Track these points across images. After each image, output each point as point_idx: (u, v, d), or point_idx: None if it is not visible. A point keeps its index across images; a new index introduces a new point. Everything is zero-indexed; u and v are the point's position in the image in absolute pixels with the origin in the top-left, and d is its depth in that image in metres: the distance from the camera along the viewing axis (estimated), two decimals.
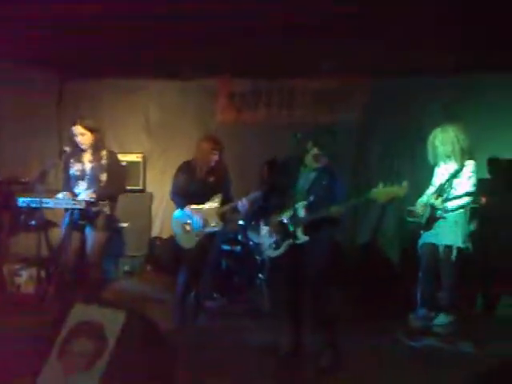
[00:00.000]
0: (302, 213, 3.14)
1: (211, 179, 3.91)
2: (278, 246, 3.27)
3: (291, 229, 3.17)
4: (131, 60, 5.46)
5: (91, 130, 3.81)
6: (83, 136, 3.80)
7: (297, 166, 3.26)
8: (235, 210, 3.96)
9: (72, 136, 3.83)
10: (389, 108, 5.69)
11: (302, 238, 3.14)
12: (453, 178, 3.71)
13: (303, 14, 4.71)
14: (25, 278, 4.39)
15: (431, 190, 3.98)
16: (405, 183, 2.93)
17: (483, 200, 4.16)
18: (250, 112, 6.05)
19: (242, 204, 3.84)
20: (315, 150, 3.14)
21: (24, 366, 2.57)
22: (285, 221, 3.22)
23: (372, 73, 5.58)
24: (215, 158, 3.91)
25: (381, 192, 2.96)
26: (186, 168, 3.94)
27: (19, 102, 5.59)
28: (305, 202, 3.14)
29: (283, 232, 3.23)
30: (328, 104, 5.88)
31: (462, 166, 3.72)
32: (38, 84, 5.73)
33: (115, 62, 5.55)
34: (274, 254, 3.29)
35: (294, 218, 3.16)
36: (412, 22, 4.60)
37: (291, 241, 3.19)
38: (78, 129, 3.80)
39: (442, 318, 3.71)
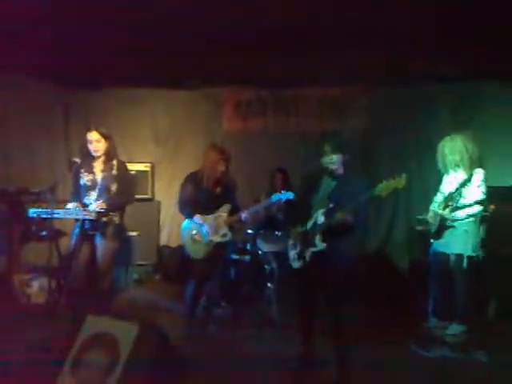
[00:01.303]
0: (321, 220, 3.14)
1: (218, 189, 3.92)
2: (300, 256, 3.24)
3: (312, 237, 3.16)
4: (137, 70, 5.51)
5: (105, 137, 3.82)
6: (98, 143, 3.80)
7: (317, 175, 3.28)
8: (240, 220, 3.96)
9: (84, 144, 3.82)
10: (394, 115, 5.69)
11: (320, 245, 3.13)
12: (462, 187, 3.70)
13: (308, 23, 4.74)
14: (35, 289, 4.40)
15: (439, 197, 3.97)
16: (404, 175, 2.97)
17: (492, 207, 4.14)
18: (257, 120, 6.07)
19: (245, 216, 3.85)
20: (326, 158, 3.17)
21: (37, 379, 2.58)
22: (306, 230, 3.22)
23: (377, 80, 5.59)
24: (222, 167, 3.91)
25: (382, 187, 2.99)
26: (193, 178, 3.95)
27: (26, 114, 5.65)
28: (324, 210, 3.14)
29: (305, 242, 3.22)
30: (334, 112, 5.89)
31: (470, 175, 3.71)
32: (44, 95, 5.78)
33: (121, 72, 5.60)
34: (297, 265, 3.26)
35: (314, 225, 3.17)
36: (417, 28, 4.63)
37: (312, 249, 3.17)
38: (93, 135, 3.80)
39: (454, 328, 3.69)
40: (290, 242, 3.34)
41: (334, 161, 3.17)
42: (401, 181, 2.96)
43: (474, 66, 5.21)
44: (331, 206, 3.11)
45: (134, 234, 5.22)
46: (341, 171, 3.22)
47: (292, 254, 3.30)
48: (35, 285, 4.42)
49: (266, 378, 3.14)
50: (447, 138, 3.93)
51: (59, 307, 3.90)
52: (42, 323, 3.65)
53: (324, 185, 3.22)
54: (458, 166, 3.83)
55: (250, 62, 5.45)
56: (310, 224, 3.20)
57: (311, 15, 4.64)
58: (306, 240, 3.19)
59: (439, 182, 4.09)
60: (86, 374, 2.38)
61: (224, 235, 3.87)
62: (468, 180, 3.69)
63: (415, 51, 5.11)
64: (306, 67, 5.46)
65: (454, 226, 3.71)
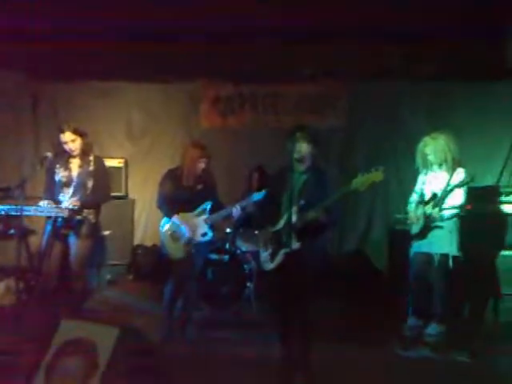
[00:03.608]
0: (294, 218, 3.02)
1: (199, 187, 3.80)
2: (272, 257, 3.14)
3: (286, 237, 3.05)
4: (110, 62, 5.34)
5: (81, 135, 3.69)
6: (74, 142, 3.67)
7: (287, 171, 3.15)
8: (227, 217, 3.84)
9: (59, 143, 3.68)
10: (372, 113, 5.71)
11: (295, 244, 3.02)
12: (447, 187, 3.69)
13: (290, 20, 4.69)
14: (1, 290, 4.17)
15: (414, 197, 3.96)
16: (381, 168, 2.91)
17: (469, 207, 4.16)
18: (235, 117, 5.96)
19: (237, 210, 3.74)
20: (296, 146, 3.06)
21: None
22: (279, 230, 3.12)
23: (357, 78, 5.59)
24: (203, 165, 3.79)
25: (359, 181, 2.92)
26: (172, 175, 3.81)
27: None
28: (296, 207, 3.02)
29: (277, 242, 3.12)
30: (314, 108, 5.85)
31: (454, 175, 3.71)
32: (12, 89, 5.51)
33: (93, 65, 5.41)
34: (269, 266, 3.16)
35: (289, 224, 3.04)
36: (396, 27, 4.65)
37: (286, 250, 3.07)
38: (68, 136, 3.66)
39: (434, 328, 3.68)
40: (261, 242, 3.24)
41: (303, 150, 3.06)
42: (378, 174, 2.90)
43: (450, 66, 5.29)
44: (302, 202, 3.02)
45: (106, 232, 5.03)
46: (310, 164, 3.12)
47: (264, 255, 3.19)
48: (1, 286, 4.19)
49: (245, 379, 3.05)
50: (428, 138, 3.87)
51: (28, 309, 3.70)
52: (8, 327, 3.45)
53: (294, 180, 3.09)
54: (440, 165, 3.81)
55: (228, 58, 5.37)
56: (282, 223, 3.10)
57: (289, 11, 4.60)
58: (279, 240, 3.09)
59: (415, 181, 4.07)
60: (62, 380, 2.23)
61: (204, 234, 3.75)
62: (452, 179, 3.68)
63: (393, 50, 5.14)
64: (284, 63, 5.43)
65: (438, 226, 3.68)
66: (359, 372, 3.17)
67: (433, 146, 3.80)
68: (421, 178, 3.96)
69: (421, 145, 3.91)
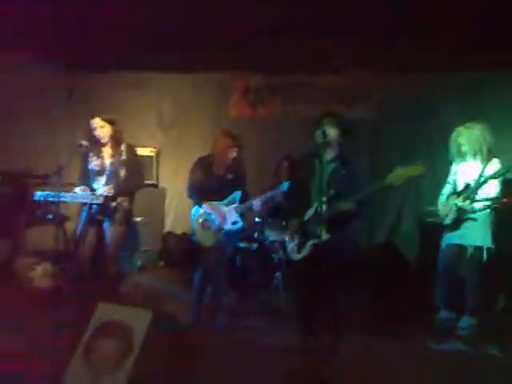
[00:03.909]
0: (323, 209, 2.99)
1: (229, 176, 3.82)
2: (300, 248, 3.13)
3: (314, 228, 3.05)
4: (143, 53, 5.40)
5: (110, 123, 3.76)
6: (103, 128, 3.74)
7: (315, 160, 3.12)
8: (250, 209, 3.88)
9: (90, 130, 3.77)
10: (404, 105, 5.60)
11: (324, 235, 3.01)
12: (480, 178, 3.60)
13: (319, 9, 4.63)
14: (39, 273, 4.33)
15: (448, 188, 3.89)
16: (420, 163, 2.88)
17: (505, 201, 4.05)
18: (265, 107, 5.96)
19: (257, 204, 3.77)
20: (323, 129, 3.03)
21: (47, 364, 2.53)
22: (307, 220, 3.10)
23: (387, 69, 5.49)
24: (234, 154, 3.81)
25: (396, 174, 2.87)
26: (203, 164, 3.85)
27: (30, 97, 5.54)
28: (325, 197, 2.99)
29: (305, 233, 3.11)
30: (344, 99, 5.79)
31: (488, 165, 3.62)
32: (48, 78, 5.66)
33: (126, 56, 5.48)
34: (297, 257, 3.16)
35: (318, 215, 3.02)
36: (427, 18, 4.53)
37: (314, 241, 3.06)
38: (97, 122, 3.75)
39: (466, 321, 3.62)
40: (288, 233, 3.23)
41: (330, 134, 3.02)
42: (418, 168, 2.87)
43: (486, 57, 5.13)
44: (332, 193, 2.98)
45: (138, 219, 5.15)
46: (338, 153, 3.08)
47: (291, 246, 3.19)
48: (39, 269, 4.35)
49: (271, 369, 3.08)
50: (462, 128, 3.77)
51: (63, 292, 3.84)
52: (45, 308, 3.59)
53: (321, 169, 3.04)
54: (474, 155, 3.72)
55: (260, 49, 5.35)
56: (310, 213, 3.07)
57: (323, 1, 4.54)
58: (307, 230, 3.07)
59: (449, 173, 3.99)
60: (99, 361, 2.32)
61: (234, 223, 3.79)
62: (487, 170, 3.59)
63: (424, 41, 5.01)
64: (315, 54, 5.37)
65: (472, 218, 3.59)
66: (389, 365, 3.13)
67: (467, 136, 3.71)
68: (454, 169, 3.88)
69: (454, 134, 3.81)
